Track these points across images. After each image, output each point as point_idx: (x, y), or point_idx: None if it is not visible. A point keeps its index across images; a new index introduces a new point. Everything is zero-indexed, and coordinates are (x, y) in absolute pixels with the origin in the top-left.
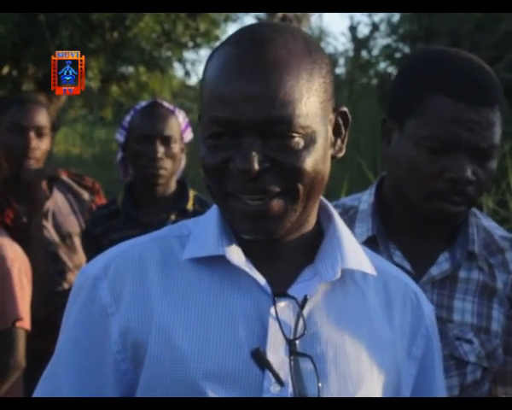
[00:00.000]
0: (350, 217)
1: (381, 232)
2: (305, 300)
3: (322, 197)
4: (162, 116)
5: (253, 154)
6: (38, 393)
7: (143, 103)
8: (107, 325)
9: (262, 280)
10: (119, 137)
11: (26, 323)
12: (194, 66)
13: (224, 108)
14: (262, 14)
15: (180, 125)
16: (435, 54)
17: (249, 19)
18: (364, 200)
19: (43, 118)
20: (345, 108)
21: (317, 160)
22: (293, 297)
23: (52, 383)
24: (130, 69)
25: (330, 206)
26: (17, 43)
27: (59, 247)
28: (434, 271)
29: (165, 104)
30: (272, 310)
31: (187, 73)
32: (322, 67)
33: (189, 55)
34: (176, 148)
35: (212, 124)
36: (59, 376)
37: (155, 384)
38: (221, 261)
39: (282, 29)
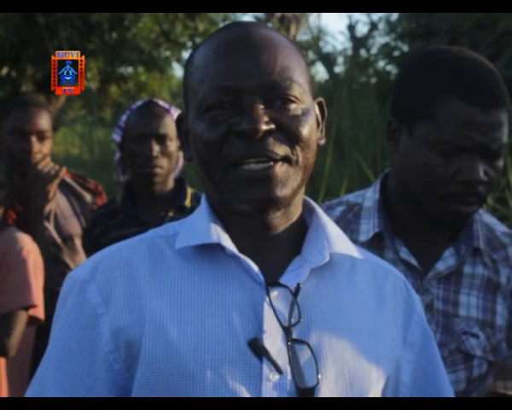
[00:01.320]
0: (355, 213)
1: (387, 229)
2: (298, 288)
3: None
4: (157, 115)
5: (260, 113)
6: (28, 395)
7: (139, 103)
8: (97, 326)
9: (255, 267)
10: (116, 136)
11: (39, 311)
12: None
13: (227, 76)
14: (260, 15)
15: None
16: (441, 55)
17: (248, 19)
18: (369, 197)
19: (44, 121)
20: (321, 99)
21: (312, 129)
22: (285, 286)
23: (40, 386)
24: (130, 70)
25: (310, 200)
26: (16, 45)
27: (60, 248)
28: (440, 266)
29: (161, 103)
30: (266, 299)
31: None
32: (304, 57)
33: (187, 54)
34: (172, 146)
35: (212, 94)
36: (46, 379)
37: (153, 381)
38: (212, 252)
39: (270, 28)
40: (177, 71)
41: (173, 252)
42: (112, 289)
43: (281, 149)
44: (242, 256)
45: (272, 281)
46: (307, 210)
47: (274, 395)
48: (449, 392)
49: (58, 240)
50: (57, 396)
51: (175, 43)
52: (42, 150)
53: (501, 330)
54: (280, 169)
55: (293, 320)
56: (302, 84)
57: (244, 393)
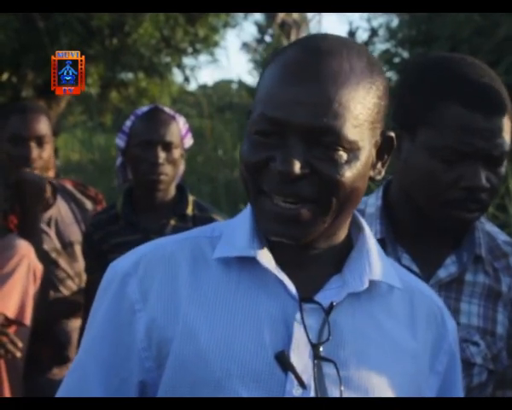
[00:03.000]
0: None
1: (389, 235)
2: (331, 306)
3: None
4: (163, 122)
5: (296, 157)
6: (66, 384)
7: (144, 109)
8: (133, 321)
9: (290, 284)
10: (120, 142)
11: (24, 317)
12: (193, 71)
13: (277, 107)
14: (261, 19)
15: (180, 131)
16: (442, 61)
17: (249, 24)
18: (371, 203)
19: (43, 126)
20: (392, 134)
21: (356, 176)
22: (319, 303)
23: (80, 375)
24: (130, 75)
25: (361, 218)
26: (16, 50)
27: (60, 254)
28: (442, 273)
29: (166, 110)
30: (298, 314)
31: (186, 79)
32: (379, 89)
33: (188, 60)
34: (176, 153)
35: (261, 121)
36: (86, 368)
37: (179, 383)
38: (250, 264)
39: (349, 44)
40: (178, 77)
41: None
42: (151, 287)
43: (312, 194)
44: (277, 273)
45: (307, 296)
46: (356, 228)
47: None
48: None
49: (58, 246)
50: (97, 385)
51: (175, 48)
52: (41, 156)
53: (501, 339)
54: (307, 211)
55: (322, 338)
56: (358, 130)
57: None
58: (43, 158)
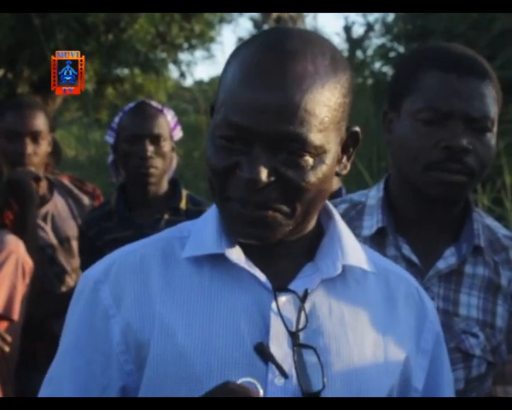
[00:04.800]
0: (358, 211)
1: (390, 225)
2: (305, 294)
3: None
4: (150, 115)
5: (262, 165)
6: (41, 395)
7: (131, 104)
8: (108, 326)
9: (262, 276)
10: (109, 138)
11: (12, 312)
12: (189, 67)
13: (241, 113)
14: (256, 15)
15: (169, 124)
16: (427, 45)
17: (244, 20)
18: (372, 195)
19: (39, 122)
20: (357, 129)
21: (321, 180)
22: (293, 291)
23: (56, 386)
24: (126, 71)
25: (330, 205)
26: (12, 47)
27: (57, 250)
28: (441, 265)
29: (153, 103)
30: (274, 304)
31: (182, 75)
32: (344, 87)
33: (184, 56)
34: (166, 146)
35: (225, 126)
36: (62, 378)
37: (159, 383)
38: (221, 261)
39: (313, 41)
40: (174, 72)
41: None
42: (124, 291)
43: (276, 201)
44: (247, 267)
45: (281, 286)
46: (326, 215)
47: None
48: (449, 392)
49: (54, 241)
50: (74, 395)
51: (171, 44)
52: (37, 152)
53: (501, 332)
54: (272, 215)
55: (300, 326)
56: (324, 133)
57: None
58: (39, 154)
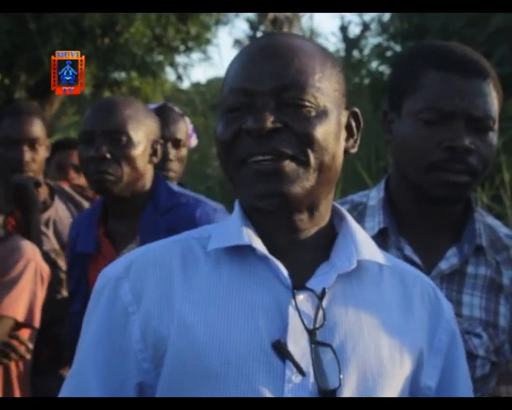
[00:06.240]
0: (359, 212)
1: (392, 226)
2: (323, 292)
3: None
4: (174, 119)
5: (266, 113)
6: (65, 390)
7: (153, 106)
8: (128, 324)
9: (284, 270)
10: None
11: (33, 320)
12: (186, 70)
13: (244, 80)
14: (252, 16)
15: (188, 130)
16: (425, 43)
17: (240, 22)
18: (373, 196)
19: (36, 128)
20: (356, 109)
21: (328, 132)
22: (311, 290)
23: (78, 382)
24: (123, 75)
25: (342, 208)
26: (8, 51)
27: (59, 255)
28: (443, 265)
29: (175, 108)
30: (292, 302)
31: (179, 77)
32: (335, 65)
33: (180, 59)
34: (184, 151)
35: (230, 95)
36: (84, 374)
37: (177, 380)
38: (241, 255)
39: (305, 37)
40: (170, 75)
41: (205, 254)
42: (144, 289)
43: (288, 149)
44: (272, 258)
45: (299, 284)
46: (337, 217)
47: (296, 396)
48: (464, 390)
49: (56, 246)
50: (98, 390)
51: (167, 47)
52: (35, 158)
53: (504, 332)
54: (288, 165)
55: (317, 324)
56: (320, 89)
57: (266, 394)
58: (37, 161)
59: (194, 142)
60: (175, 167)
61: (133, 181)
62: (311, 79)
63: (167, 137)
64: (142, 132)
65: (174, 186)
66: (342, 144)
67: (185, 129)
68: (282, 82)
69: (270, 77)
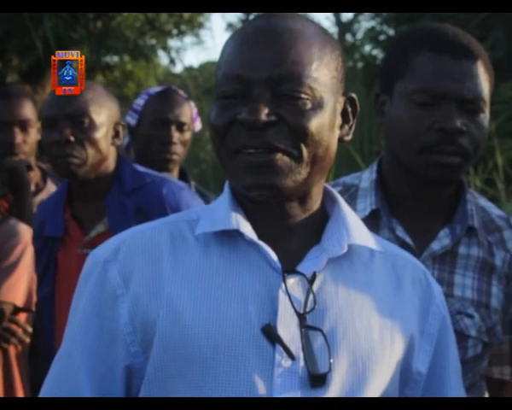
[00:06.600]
0: (350, 194)
1: (384, 207)
2: (314, 276)
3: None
4: (178, 102)
5: (261, 106)
6: (52, 373)
7: (157, 89)
8: (115, 306)
9: (273, 254)
10: (131, 120)
11: (29, 303)
12: (178, 53)
13: (238, 66)
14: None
15: (192, 114)
16: (417, 27)
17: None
18: (365, 178)
19: (27, 110)
20: (354, 95)
21: (322, 124)
22: (302, 273)
23: (65, 364)
24: (115, 58)
25: (334, 190)
26: (0, 35)
27: None
28: (435, 246)
29: (180, 91)
30: (282, 286)
31: (172, 61)
32: (334, 49)
33: (173, 42)
34: (188, 135)
35: (224, 81)
36: (72, 356)
37: (166, 364)
38: (230, 239)
39: (299, 14)
40: (163, 59)
41: (194, 237)
42: (132, 271)
43: (281, 142)
44: (260, 243)
45: (289, 268)
46: (329, 200)
47: (285, 380)
48: (455, 386)
49: None
50: (85, 374)
51: (160, 31)
52: (26, 140)
53: (496, 312)
54: (280, 158)
55: (308, 308)
56: (317, 79)
57: (255, 378)
58: (28, 143)
59: (198, 126)
60: (178, 150)
61: (97, 163)
62: (308, 69)
63: (171, 120)
64: (104, 115)
65: (138, 166)
66: (337, 133)
67: (189, 113)
68: (279, 72)
69: (267, 64)
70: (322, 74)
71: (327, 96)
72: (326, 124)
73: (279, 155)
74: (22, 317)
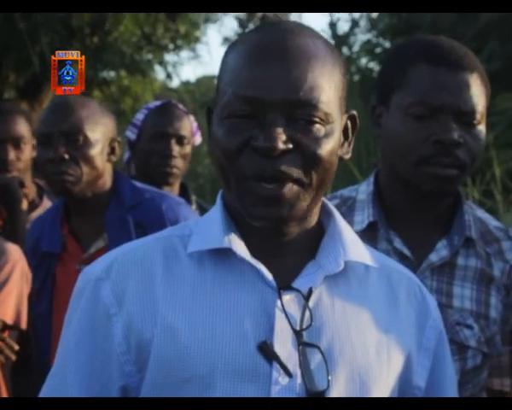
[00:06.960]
0: (348, 207)
1: (381, 219)
2: (310, 292)
3: None
4: (178, 116)
5: (278, 133)
6: (46, 391)
7: (157, 103)
8: (109, 325)
9: (267, 272)
10: (131, 134)
11: (20, 321)
12: (175, 68)
13: (250, 85)
14: (241, 14)
15: (192, 128)
16: (413, 38)
17: (229, 19)
18: (362, 190)
19: (20, 127)
20: (354, 112)
21: (332, 151)
22: (297, 290)
23: (59, 381)
24: (112, 74)
25: (329, 203)
26: None
27: None
28: (433, 257)
29: (179, 105)
30: (278, 303)
31: (168, 76)
32: (341, 66)
33: (169, 57)
34: (188, 149)
35: (234, 101)
36: (66, 376)
37: (162, 384)
38: (224, 257)
39: (304, 25)
40: (160, 74)
41: (187, 254)
42: (125, 289)
43: (295, 171)
44: (253, 261)
45: (285, 285)
46: (325, 214)
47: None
48: (452, 390)
49: None
50: (78, 391)
51: (157, 45)
52: (20, 157)
53: (495, 323)
54: (290, 190)
55: (304, 324)
56: (330, 103)
57: (252, 396)
58: (22, 159)
59: (198, 139)
60: (178, 164)
61: (93, 180)
62: (323, 94)
63: (171, 134)
64: (99, 132)
65: (136, 182)
66: (339, 152)
67: (189, 126)
68: (295, 96)
69: (283, 87)
70: (334, 97)
71: (336, 118)
72: (335, 149)
73: (289, 186)
74: (5, 333)
